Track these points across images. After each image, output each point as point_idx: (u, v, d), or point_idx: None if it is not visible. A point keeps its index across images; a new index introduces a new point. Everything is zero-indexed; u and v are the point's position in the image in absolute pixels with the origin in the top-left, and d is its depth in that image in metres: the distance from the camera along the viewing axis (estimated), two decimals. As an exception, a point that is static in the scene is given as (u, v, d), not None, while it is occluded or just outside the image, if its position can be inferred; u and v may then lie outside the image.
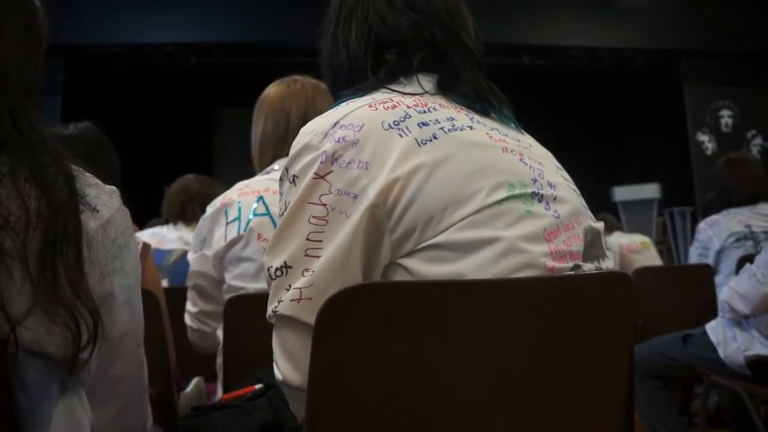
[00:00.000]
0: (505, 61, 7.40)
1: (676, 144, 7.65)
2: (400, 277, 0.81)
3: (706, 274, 2.97)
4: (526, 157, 0.90)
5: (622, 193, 7.33)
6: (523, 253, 0.80)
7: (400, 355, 0.73)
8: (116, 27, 6.72)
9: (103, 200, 0.77)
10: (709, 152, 7.49)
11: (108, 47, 7.05)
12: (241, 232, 1.46)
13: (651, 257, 4.09)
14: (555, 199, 0.87)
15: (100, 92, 7.23)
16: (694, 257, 3.16)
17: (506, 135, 0.92)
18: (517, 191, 0.84)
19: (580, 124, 8.37)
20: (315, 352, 0.72)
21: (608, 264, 0.92)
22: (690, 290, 2.97)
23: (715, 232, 3.04)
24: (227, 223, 1.49)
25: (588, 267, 0.87)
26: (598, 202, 6.53)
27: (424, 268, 0.79)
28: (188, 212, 2.84)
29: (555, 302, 0.79)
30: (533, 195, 0.85)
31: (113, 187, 0.82)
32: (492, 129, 0.92)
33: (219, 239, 1.49)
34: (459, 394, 0.75)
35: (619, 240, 4.11)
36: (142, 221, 3.38)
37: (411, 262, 0.80)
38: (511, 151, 0.89)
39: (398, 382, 0.73)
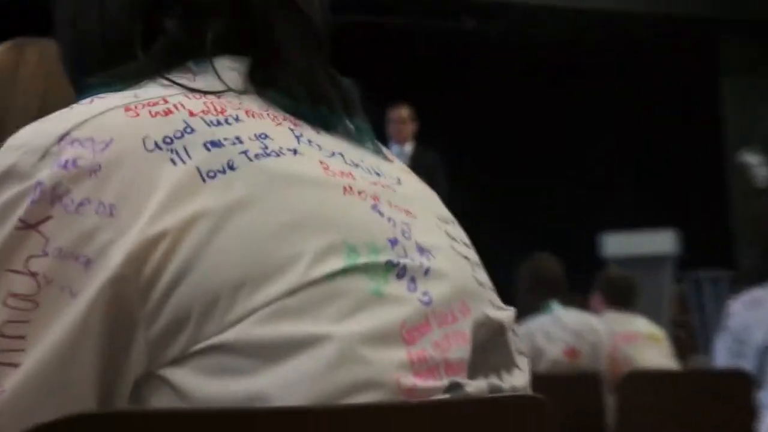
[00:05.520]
0: (448, 24, 6.31)
1: (707, 166, 6.41)
2: (161, 399, 0.59)
3: (740, 384, 2.45)
4: (384, 203, 0.69)
5: (616, 244, 5.55)
6: (364, 363, 0.61)
7: None
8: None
9: None
10: (759, 182, 5.81)
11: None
12: None
13: (660, 354, 3.29)
14: (427, 272, 0.68)
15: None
16: (722, 355, 2.63)
17: (357, 165, 0.72)
18: (361, 259, 0.65)
19: (547, 119, 6.32)
20: None
21: (518, 381, 0.71)
22: (714, 409, 2.48)
23: (755, 318, 2.53)
24: None
25: (476, 386, 0.66)
26: (578, 257, 4.47)
27: (202, 384, 0.58)
28: None
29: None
30: (388, 266, 0.66)
31: None
32: (332, 154, 0.71)
33: None
34: None
35: (611, 324, 3.19)
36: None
37: (180, 374, 0.59)
38: (359, 193, 0.69)
39: None
